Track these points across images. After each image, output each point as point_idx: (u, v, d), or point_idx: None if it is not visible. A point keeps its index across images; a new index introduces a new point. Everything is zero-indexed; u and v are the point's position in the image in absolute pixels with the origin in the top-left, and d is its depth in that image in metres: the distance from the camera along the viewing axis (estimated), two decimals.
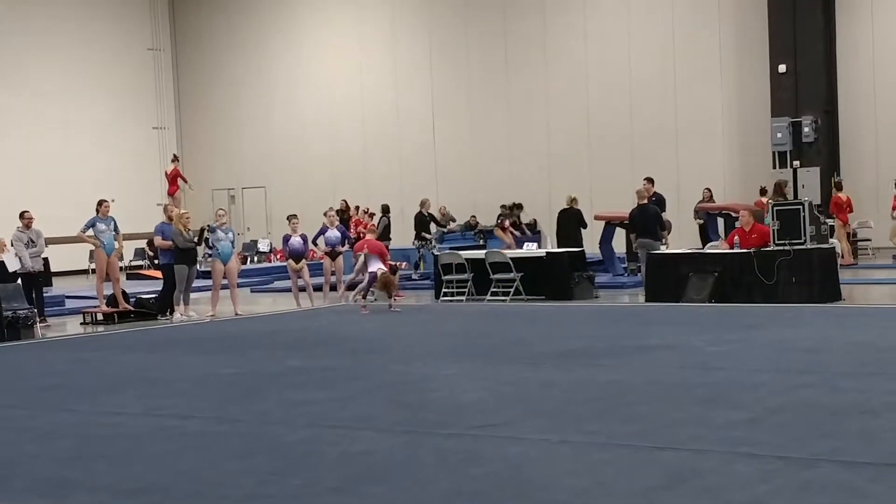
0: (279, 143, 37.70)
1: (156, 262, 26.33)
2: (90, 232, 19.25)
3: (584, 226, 23.50)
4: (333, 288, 20.68)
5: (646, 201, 20.86)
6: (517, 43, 32.74)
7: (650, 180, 23.38)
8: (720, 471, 6.42)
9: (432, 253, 23.53)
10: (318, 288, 20.74)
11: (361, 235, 22.70)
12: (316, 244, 21.26)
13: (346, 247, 21.10)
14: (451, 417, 8.36)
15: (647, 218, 20.36)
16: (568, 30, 31.86)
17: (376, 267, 17.82)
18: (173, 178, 27.63)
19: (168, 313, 19.15)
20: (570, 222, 23.56)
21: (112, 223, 19.28)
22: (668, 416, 8.13)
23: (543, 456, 7.01)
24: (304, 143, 37.04)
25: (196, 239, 19.27)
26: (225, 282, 19.33)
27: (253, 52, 38.13)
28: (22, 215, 19.44)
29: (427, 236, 27.15)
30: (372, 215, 29.41)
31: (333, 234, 20.49)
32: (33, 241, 19.11)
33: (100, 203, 19.46)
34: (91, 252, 32.63)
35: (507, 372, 10.66)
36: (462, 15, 33.74)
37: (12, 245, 19.29)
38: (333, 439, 7.79)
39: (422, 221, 27.01)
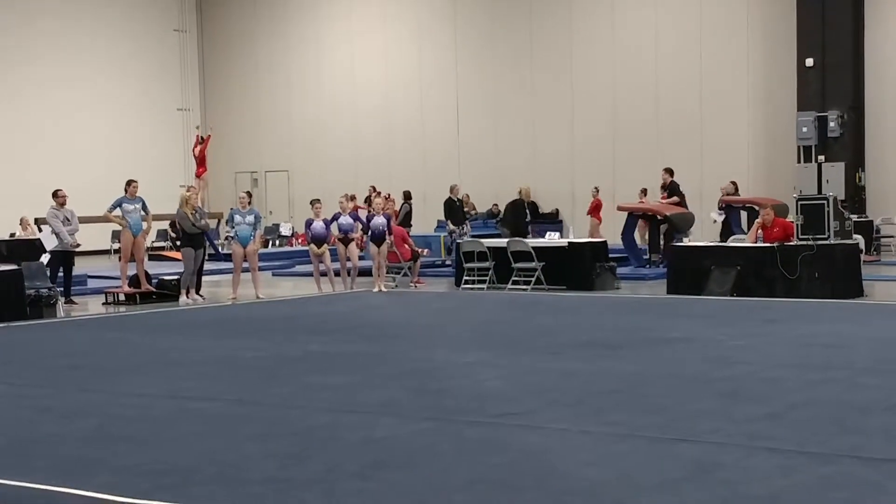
0: (302, 128, 37.75)
1: (178, 243, 26.40)
2: (117, 212, 19.30)
3: (528, 218, 24.34)
4: (337, 274, 20.61)
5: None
6: (542, 32, 32.66)
7: (669, 171, 23.41)
8: (740, 464, 6.42)
9: (464, 238, 23.49)
10: (338, 273, 20.76)
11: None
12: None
13: (360, 233, 21.03)
14: (472, 405, 8.38)
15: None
16: (595, 20, 31.79)
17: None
18: (202, 159, 27.56)
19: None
20: (518, 212, 24.27)
21: (140, 203, 19.30)
22: (689, 408, 8.14)
23: (563, 445, 7.02)
24: (327, 128, 37.07)
25: (204, 222, 19.32)
26: (246, 265, 19.39)
27: (278, 37, 38.15)
28: (56, 194, 19.47)
29: (471, 216, 27.07)
30: (387, 198, 29.35)
31: (346, 220, 20.43)
32: (68, 220, 19.17)
33: (128, 183, 19.47)
34: (114, 232, 32.96)
35: (527, 361, 10.67)
36: (488, 2, 33.68)
37: (49, 223, 19.36)
38: (354, 424, 7.82)
39: (451, 207, 26.97)
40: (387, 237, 19.73)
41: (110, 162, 34.78)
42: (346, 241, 20.37)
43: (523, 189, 26.32)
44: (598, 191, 28.63)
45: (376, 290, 18.94)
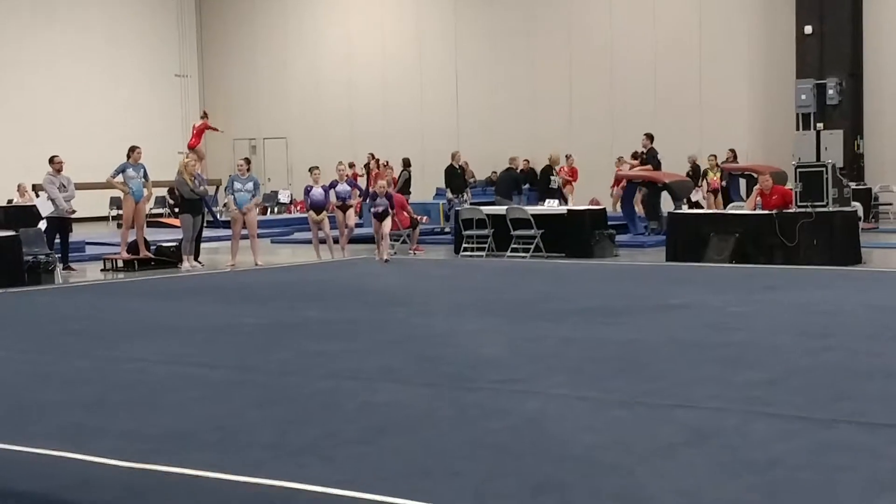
0: (301, 95, 37.66)
1: (176, 210, 26.37)
2: (119, 178, 19.28)
3: (520, 191, 24.37)
4: (336, 241, 20.60)
5: None
6: (542, 1, 32.53)
7: (650, 136, 23.43)
8: (739, 430, 6.44)
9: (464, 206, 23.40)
10: (337, 241, 20.75)
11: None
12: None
13: (358, 199, 21.00)
14: (472, 371, 8.39)
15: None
16: None
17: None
18: (199, 132, 27.33)
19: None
20: (509, 182, 24.31)
21: (142, 170, 19.29)
22: (688, 374, 8.16)
23: (562, 411, 7.04)
24: (326, 96, 36.98)
25: (203, 189, 19.30)
26: (245, 232, 19.37)
27: (277, 4, 38.00)
28: (52, 160, 19.41)
29: (471, 183, 27.05)
30: (385, 165, 29.32)
31: (343, 187, 20.42)
32: (64, 186, 19.10)
33: (132, 149, 19.45)
34: (112, 199, 32.96)
35: (526, 328, 10.69)
36: None
37: (45, 189, 19.33)
38: (353, 390, 7.84)
39: (453, 174, 26.90)
40: (389, 212, 19.54)
41: (107, 129, 34.70)
42: (343, 207, 20.34)
43: (513, 158, 26.25)
44: (570, 158, 28.73)
45: (379, 258, 18.70)
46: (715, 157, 26.42)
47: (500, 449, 6.15)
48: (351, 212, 20.56)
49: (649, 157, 24.04)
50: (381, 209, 19.08)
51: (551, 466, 5.76)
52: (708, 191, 25.89)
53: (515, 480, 5.53)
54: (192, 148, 26.57)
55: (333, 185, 20.46)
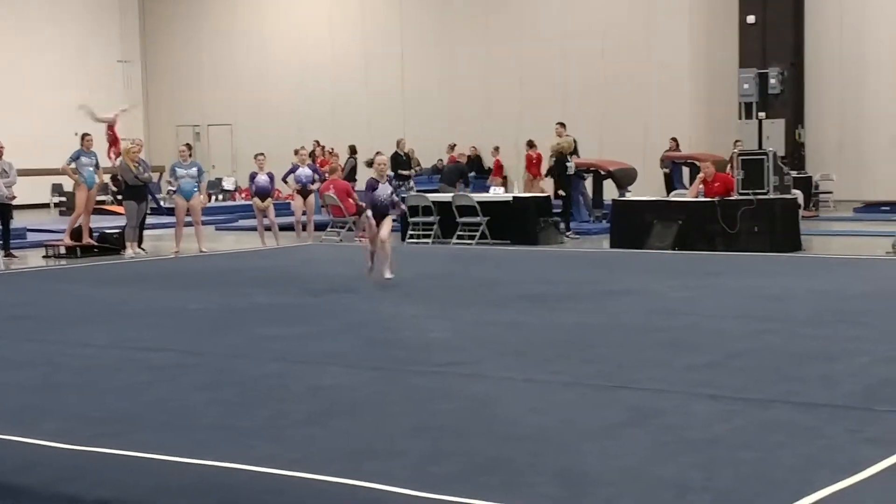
0: (246, 81, 37.47)
1: (119, 197, 26.12)
2: (73, 165, 19.14)
3: (466, 181, 24.41)
4: (310, 225, 20.65)
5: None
6: None
7: (563, 125, 23.51)
8: (680, 410, 6.56)
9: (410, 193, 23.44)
10: (284, 227, 20.72)
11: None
12: (286, 182, 21.34)
13: (318, 184, 21.07)
14: (419, 355, 8.46)
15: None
16: None
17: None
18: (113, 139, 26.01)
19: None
20: (453, 171, 24.41)
21: (94, 157, 19.16)
22: (631, 358, 8.27)
23: (508, 393, 7.12)
24: (272, 81, 36.82)
25: (147, 175, 19.21)
26: (189, 218, 19.28)
27: None
28: None
29: (405, 173, 27.06)
30: (331, 152, 29.26)
31: (305, 172, 20.48)
32: (6, 172, 18.87)
33: (83, 136, 19.32)
34: (53, 185, 32.69)
35: (473, 313, 10.77)
36: None
37: None
38: (301, 374, 7.88)
39: (397, 161, 26.92)
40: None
41: (49, 115, 34.34)
42: (304, 192, 20.40)
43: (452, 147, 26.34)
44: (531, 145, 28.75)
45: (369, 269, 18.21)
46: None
47: (447, 430, 6.22)
48: (311, 198, 20.61)
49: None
50: (304, 183, 19.33)
51: (497, 446, 5.84)
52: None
53: (461, 460, 5.60)
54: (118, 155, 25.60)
55: (294, 169, 20.53)
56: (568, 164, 21.27)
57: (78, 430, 6.37)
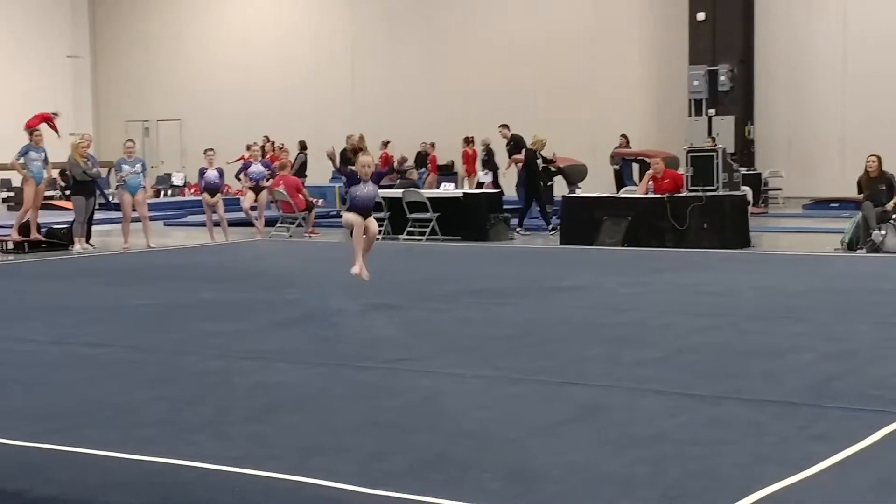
0: (195, 77, 37.19)
1: (67, 192, 25.84)
2: (21, 160, 18.92)
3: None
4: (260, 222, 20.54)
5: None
6: None
7: (506, 126, 23.46)
8: (627, 406, 6.57)
9: None
10: (233, 223, 20.60)
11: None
12: (239, 179, 21.24)
13: (270, 181, 21.00)
14: (365, 351, 8.42)
15: None
16: None
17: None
18: (42, 118, 25.27)
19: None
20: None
21: (44, 153, 18.96)
22: (579, 353, 8.28)
23: (455, 389, 7.11)
24: (221, 77, 36.55)
25: (96, 171, 19.03)
26: (136, 214, 19.10)
27: None
28: None
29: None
30: (281, 148, 29.12)
31: (258, 168, 20.42)
32: None
33: (32, 132, 19.12)
34: (1, 180, 32.27)
35: (421, 309, 10.75)
36: None
37: None
38: (247, 370, 7.82)
39: (346, 157, 26.80)
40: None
41: None
42: (257, 189, 20.32)
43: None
44: (468, 142, 28.75)
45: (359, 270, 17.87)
46: None
47: (393, 426, 6.20)
48: (263, 194, 20.52)
49: (515, 146, 23.81)
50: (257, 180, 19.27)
51: (443, 442, 5.82)
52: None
53: (407, 456, 5.58)
54: (29, 126, 25.03)
55: (246, 166, 20.44)
56: (538, 160, 21.41)
57: (21, 426, 6.29)
